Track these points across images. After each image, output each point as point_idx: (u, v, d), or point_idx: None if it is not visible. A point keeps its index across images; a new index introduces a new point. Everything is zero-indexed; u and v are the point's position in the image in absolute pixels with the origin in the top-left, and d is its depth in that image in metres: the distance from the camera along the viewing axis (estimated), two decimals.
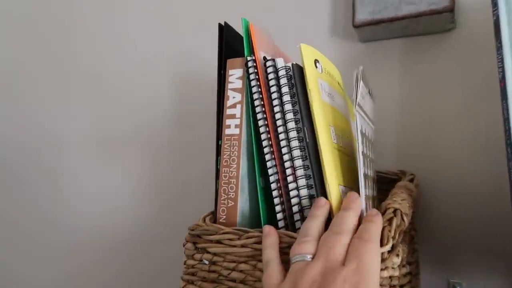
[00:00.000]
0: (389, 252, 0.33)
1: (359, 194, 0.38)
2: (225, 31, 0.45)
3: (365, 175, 0.41)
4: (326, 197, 0.36)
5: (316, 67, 0.41)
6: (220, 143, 0.43)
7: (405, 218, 0.39)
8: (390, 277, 0.33)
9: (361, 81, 0.41)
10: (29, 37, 1.02)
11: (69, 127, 0.93)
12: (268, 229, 0.35)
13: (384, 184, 0.57)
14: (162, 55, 0.84)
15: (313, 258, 0.31)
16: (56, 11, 0.99)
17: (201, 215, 0.44)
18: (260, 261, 0.35)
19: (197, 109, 0.80)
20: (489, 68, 0.57)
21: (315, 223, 0.33)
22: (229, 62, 0.44)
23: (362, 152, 0.41)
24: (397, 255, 0.33)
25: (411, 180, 0.54)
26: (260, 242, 0.35)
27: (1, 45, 1.06)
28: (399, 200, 0.41)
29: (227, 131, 0.42)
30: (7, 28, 1.06)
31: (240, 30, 0.46)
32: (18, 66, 1.02)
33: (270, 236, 0.34)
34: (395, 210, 0.39)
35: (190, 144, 0.80)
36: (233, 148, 0.42)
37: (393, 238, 0.34)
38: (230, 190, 0.41)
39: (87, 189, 0.89)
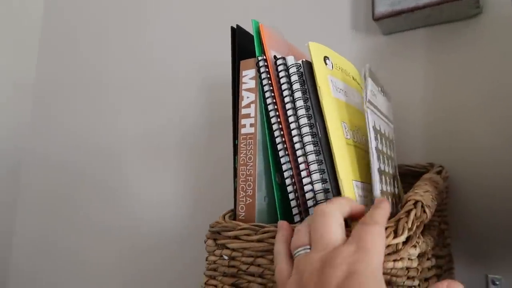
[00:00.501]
0: (404, 243, 0.32)
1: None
2: (237, 33, 0.46)
3: (380, 171, 0.41)
4: (339, 191, 0.36)
5: (326, 64, 0.41)
6: (236, 142, 0.44)
7: (427, 210, 0.38)
8: (407, 268, 0.32)
9: (369, 78, 0.41)
10: (69, 51, 1.09)
11: (119, 137, 0.98)
12: (281, 223, 0.36)
13: (413, 178, 0.56)
14: (192, 64, 0.87)
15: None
16: (93, 29, 1.06)
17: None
18: None
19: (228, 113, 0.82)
20: None
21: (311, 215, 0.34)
22: (242, 63, 0.45)
23: (376, 147, 0.40)
24: (414, 247, 0.33)
25: (439, 172, 0.52)
26: (274, 237, 0.36)
27: (45, 62, 1.14)
28: (421, 192, 0.40)
29: (242, 131, 0.43)
30: (52, 43, 1.14)
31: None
32: (68, 81, 1.10)
33: (281, 230, 0.35)
34: (415, 202, 0.38)
35: (225, 146, 0.82)
36: (249, 147, 0.43)
37: (410, 229, 0.33)
38: (247, 188, 0.42)
39: (138, 195, 0.93)
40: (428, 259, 0.39)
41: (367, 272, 0.28)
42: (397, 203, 0.46)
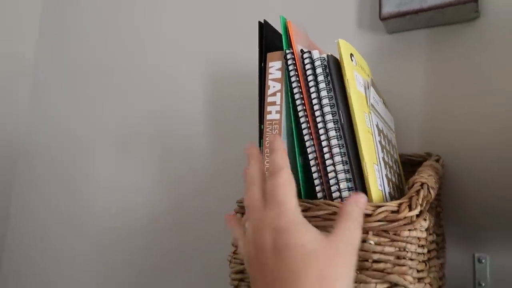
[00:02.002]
0: (417, 216, 0.37)
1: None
2: (264, 27, 0.50)
3: (384, 160, 0.47)
4: (361, 173, 0.41)
5: (352, 60, 0.46)
6: (262, 127, 0.48)
7: (431, 191, 0.43)
8: (419, 238, 0.38)
9: (372, 88, 0.48)
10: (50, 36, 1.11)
11: (87, 125, 1.01)
12: (252, 150, 0.40)
13: (412, 166, 0.61)
14: (188, 52, 0.91)
15: None
16: (94, 19, 1.08)
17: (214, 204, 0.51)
18: None
19: (221, 104, 0.86)
20: (511, 53, 0.60)
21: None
22: (269, 55, 0.49)
23: (379, 141, 0.46)
24: (425, 220, 0.38)
25: (437, 160, 0.58)
26: (301, 211, 0.41)
27: (44, 53, 1.15)
28: (426, 176, 0.46)
29: (268, 117, 0.48)
30: (52, 32, 1.15)
31: (276, 26, 0.51)
32: (37, 65, 1.11)
33: (254, 158, 0.40)
34: (422, 184, 0.43)
35: (199, 140, 0.86)
36: (274, 131, 0.47)
37: (421, 205, 0.38)
38: None
39: (105, 184, 0.97)
40: (430, 234, 0.45)
41: (288, 223, 0.32)
42: (397, 187, 0.52)
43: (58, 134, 1.08)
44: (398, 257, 0.37)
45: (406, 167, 0.63)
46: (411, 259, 0.37)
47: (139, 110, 0.97)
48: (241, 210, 0.45)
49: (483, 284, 0.59)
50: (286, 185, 0.35)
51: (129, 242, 0.93)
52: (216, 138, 0.87)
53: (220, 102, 0.88)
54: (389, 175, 0.47)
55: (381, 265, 0.37)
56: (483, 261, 0.60)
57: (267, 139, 0.48)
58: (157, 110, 0.94)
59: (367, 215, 0.37)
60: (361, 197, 0.35)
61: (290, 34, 0.47)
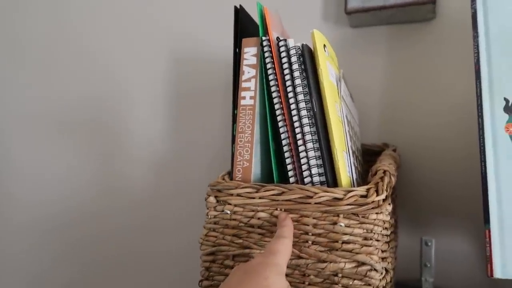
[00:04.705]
0: (383, 200, 0.40)
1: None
2: (240, 13, 0.50)
3: (352, 149, 0.49)
4: (331, 159, 0.43)
5: (325, 51, 0.47)
6: (235, 112, 0.49)
7: (392, 178, 0.46)
8: (384, 221, 0.40)
9: (343, 80, 0.50)
10: None
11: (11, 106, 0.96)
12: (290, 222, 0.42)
13: (370, 156, 0.65)
14: (145, 28, 0.88)
15: None
16: None
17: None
18: (275, 209, 0.42)
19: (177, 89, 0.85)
20: (461, 54, 0.65)
21: None
22: (244, 41, 0.49)
23: (348, 131, 0.49)
24: (389, 204, 0.41)
25: (394, 151, 0.62)
26: (275, 194, 0.42)
27: None
28: (387, 164, 0.49)
29: (242, 102, 0.48)
30: None
31: (251, 13, 0.52)
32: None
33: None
34: (384, 171, 0.46)
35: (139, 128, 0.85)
36: (247, 117, 0.48)
37: (386, 190, 0.41)
38: (245, 153, 0.47)
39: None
40: (391, 218, 0.48)
41: (266, 262, 0.36)
42: (361, 175, 0.55)
43: None
44: (366, 238, 0.39)
45: (365, 156, 0.66)
46: (377, 240, 0.39)
47: (77, 91, 0.93)
48: (214, 193, 0.45)
49: (429, 265, 0.65)
50: (284, 246, 0.38)
51: (61, 233, 0.90)
52: (175, 123, 0.86)
53: (182, 83, 0.86)
54: (355, 163, 0.50)
55: (350, 246, 0.39)
56: (429, 244, 0.65)
57: (240, 124, 0.48)
58: (98, 92, 0.91)
59: (338, 199, 0.40)
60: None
61: (267, 21, 0.47)
